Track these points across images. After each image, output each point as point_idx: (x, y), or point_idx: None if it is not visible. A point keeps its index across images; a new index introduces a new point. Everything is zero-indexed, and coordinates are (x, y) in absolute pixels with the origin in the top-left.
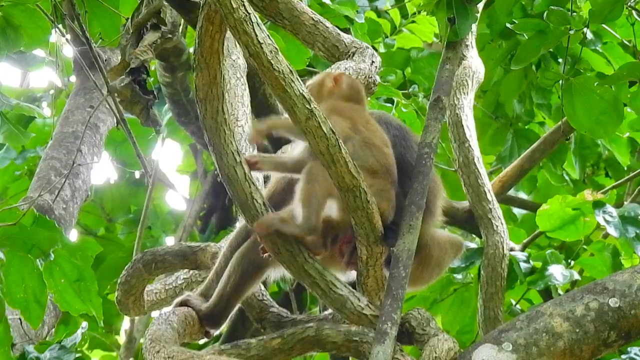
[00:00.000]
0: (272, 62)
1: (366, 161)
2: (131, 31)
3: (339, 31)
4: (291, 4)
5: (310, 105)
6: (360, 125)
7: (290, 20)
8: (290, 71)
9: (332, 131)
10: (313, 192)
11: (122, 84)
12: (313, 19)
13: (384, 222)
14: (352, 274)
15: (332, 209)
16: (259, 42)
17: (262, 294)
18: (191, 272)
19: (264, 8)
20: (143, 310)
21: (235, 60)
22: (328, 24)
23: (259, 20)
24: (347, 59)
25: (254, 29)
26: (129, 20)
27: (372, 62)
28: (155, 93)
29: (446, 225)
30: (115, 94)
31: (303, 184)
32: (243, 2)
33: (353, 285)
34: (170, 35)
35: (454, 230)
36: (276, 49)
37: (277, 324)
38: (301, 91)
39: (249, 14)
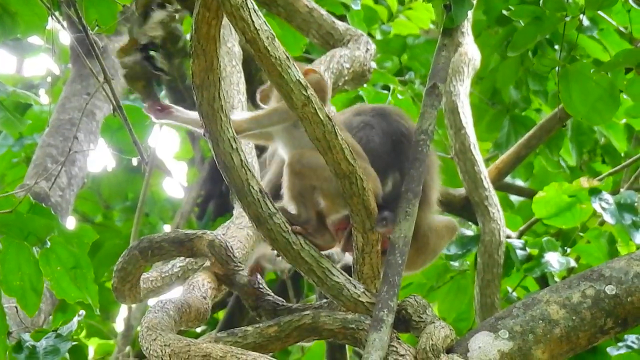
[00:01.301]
0: (269, 49)
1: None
2: (138, 11)
3: (333, 19)
4: None
5: (306, 92)
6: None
7: (285, 7)
8: (287, 57)
9: (329, 117)
10: (300, 188)
11: (133, 60)
12: (307, 7)
13: (377, 201)
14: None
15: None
16: (255, 28)
17: (258, 282)
18: (187, 259)
19: None
20: (139, 297)
21: (230, 48)
22: (323, 11)
23: (256, 7)
24: (341, 47)
25: (250, 15)
26: (135, 0)
27: (367, 49)
28: (165, 70)
29: (442, 212)
30: (124, 70)
31: (288, 182)
32: None
33: (349, 272)
34: (176, 14)
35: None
36: (273, 35)
37: (272, 312)
38: (298, 77)
39: (246, 0)
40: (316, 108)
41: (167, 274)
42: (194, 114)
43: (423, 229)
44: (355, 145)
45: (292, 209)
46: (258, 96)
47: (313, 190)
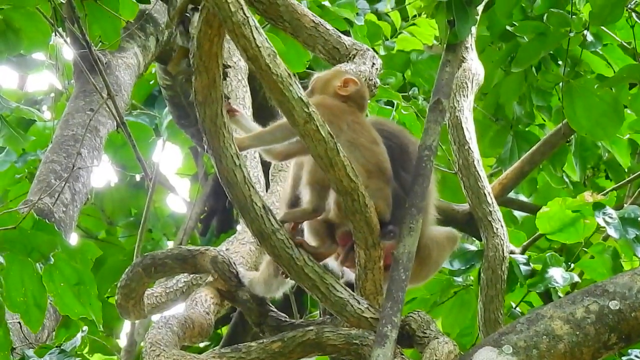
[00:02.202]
0: (270, 66)
1: (354, 162)
2: (175, 20)
3: (339, 33)
4: (292, 7)
5: (308, 109)
6: (344, 124)
7: (290, 22)
8: (289, 74)
9: (330, 134)
10: (320, 177)
11: (187, 66)
12: (314, 22)
13: (381, 221)
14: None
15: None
16: (257, 45)
17: (261, 298)
18: (191, 275)
19: (264, 11)
20: (143, 313)
21: (236, 62)
22: (328, 26)
23: (257, 24)
24: (347, 61)
25: (252, 33)
26: (168, 12)
27: (373, 64)
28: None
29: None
30: (183, 76)
31: (311, 168)
32: (242, 5)
33: (351, 287)
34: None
35: None
36: (274, 52)
37: (276, 328)
38: (299, 94)
39: (247, 17)
40: (318, 125)
41: (171, 290)
42: (253, 126)
43: (424, 242)
44: (380, 163)
45: (305, 193)
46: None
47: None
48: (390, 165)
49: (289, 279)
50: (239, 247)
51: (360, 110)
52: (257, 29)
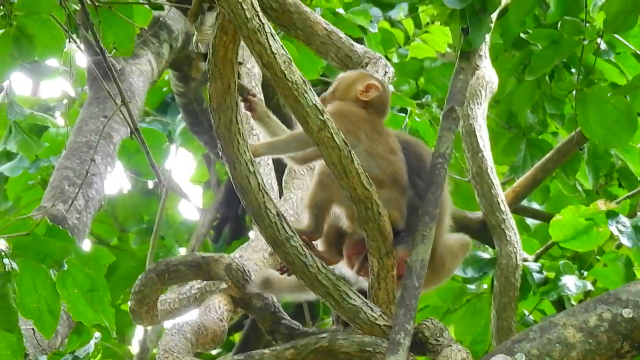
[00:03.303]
0: (286, 73)
1: (370, 172)
2: (192, 21)
3: (352, 41)
4: (304, 14)
5: (322, 116)
6: (362, 134)
7: (303, 30)
8: (304, 81)
9: (345, 142)
10: (319, 200)
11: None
12: (326, 29)
13: (395, 230)
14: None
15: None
16: (272, 52)
17: (274, 305)
18: (205, 282)
19: (277, 18)
20: (156, 319)
21: (250, 69)
22: (341, 34)
23: (273, 31)
24: (360, 69)
25: (267, 39)
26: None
27: (385, 72)
28: (241, 60)
29: None
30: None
31: (312, 190)
32: (257, 12)
33: (364, 295)
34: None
35: None
36: (289, 59)
37: (288, 336)
38: (314, 102)
39: (263, 24)
40: (332, 132)
41: (184, 296)
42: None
43: (439, 250)
44: (396, 173)
45: (304, 216)
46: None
47: (331, 206)
48: (408, 173)
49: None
50: (253, 254)
51: (380, 116)
52: (272, 35)
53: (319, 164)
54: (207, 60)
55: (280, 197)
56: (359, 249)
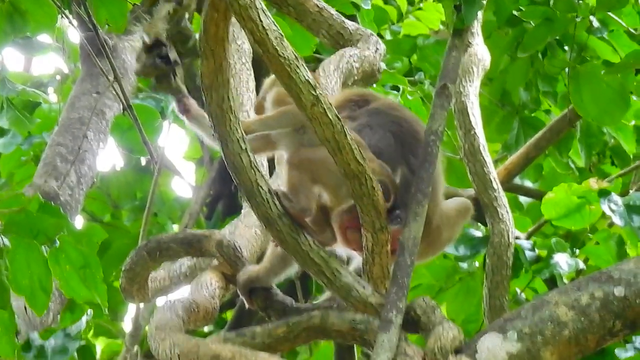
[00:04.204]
0: (278, 49)
1: None
2: (145, 8)
3: (343, 18)
4: None
5: (315, 92)
6: None
7: (295, 7)
8: (296, 57)
9: (338, 118)
10: (297, 180)
11: (143, 65)
12: (318, 6)
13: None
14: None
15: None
16: (264, 28)
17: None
18: (195, 259)
19: None
20: (147, 297)
21: (240, 45)
22: (333, 11)
23: (264, 7)
24: (351, 46)
25: (259, 15)
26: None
27: (377, 49)
28: (178, 61)
29: None
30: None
31: (287, 175)
32: None
33: (359, 273)
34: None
35: None
36: (281, 35)
37: (281, 312)
38: (307, 77)
39: (254, 0)
40: (325, 108)
41: (175, 274)
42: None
43: (435, 222)
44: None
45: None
46: (253, 108)
47: (312, 183)
48: (401, 150)
49: (288, 269)
50: (244, 231)
51: None
52: (263, 11)
53: (282, 153)
54: (199, 39)
55: (270, 175)
56: (352, 222)
